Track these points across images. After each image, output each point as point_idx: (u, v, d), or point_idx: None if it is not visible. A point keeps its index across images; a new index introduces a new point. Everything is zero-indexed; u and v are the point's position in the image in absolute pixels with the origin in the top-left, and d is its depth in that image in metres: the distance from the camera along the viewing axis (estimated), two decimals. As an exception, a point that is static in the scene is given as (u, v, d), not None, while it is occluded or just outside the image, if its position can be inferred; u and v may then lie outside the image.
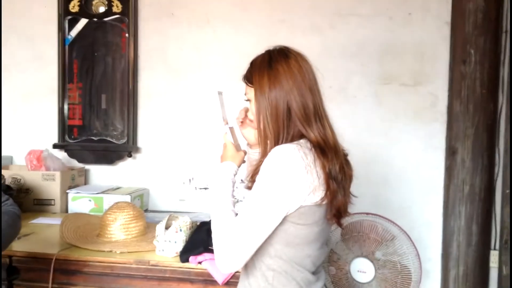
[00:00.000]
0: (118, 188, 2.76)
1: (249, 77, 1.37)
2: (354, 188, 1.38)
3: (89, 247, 1.89)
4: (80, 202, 2.60)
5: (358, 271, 2.20)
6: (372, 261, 2.18)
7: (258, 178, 1.24)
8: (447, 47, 2.55)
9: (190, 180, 2.82)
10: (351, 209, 1.38)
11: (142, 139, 2.84)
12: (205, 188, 2.81)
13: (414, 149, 2.62)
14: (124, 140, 2.82)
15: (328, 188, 1.25)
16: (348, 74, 2.64)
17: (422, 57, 2.58)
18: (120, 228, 1.99)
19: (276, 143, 1.29)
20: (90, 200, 2.60)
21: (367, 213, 2.27)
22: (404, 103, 2.61)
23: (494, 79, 2.43)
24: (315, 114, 1.31)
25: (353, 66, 2.64)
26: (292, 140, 1.29)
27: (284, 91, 1.29)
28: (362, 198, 2.59)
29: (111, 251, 1.85)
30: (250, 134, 1.46)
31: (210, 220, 2.06)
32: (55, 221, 2.32)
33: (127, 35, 2.77)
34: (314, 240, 1.30)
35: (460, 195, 2.41)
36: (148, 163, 2.84)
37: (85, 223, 2.17)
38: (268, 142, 1.32)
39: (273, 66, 1.32)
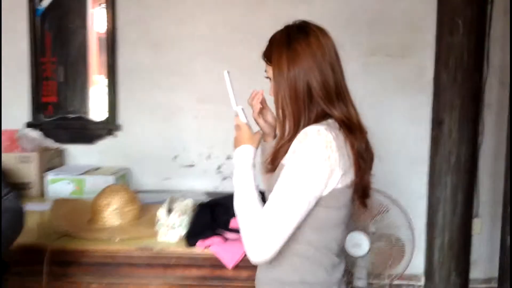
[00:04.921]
0: (99, 168, 2.65)
1: (268, 56, 1.31)
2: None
3: (84, 235, 1.80)
4: (59, 185, 2.47)
5: (353, 245, 2.22)
6: (367, 235, 2.20)
7: (288, 161, 1.20)
8: (434, 17, 2.54)
9: (175, 157, 2.74)
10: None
11: (123, 117, 2.71)
12: (191, 166, 2.74)
13: (401, 120, 2.64)
14: (104, 118, 2.68)
15: (358, 168, 1.24)
16: (338, 47, 2.59)
17: (410, 28, 2.57)
18: (115, 213, 1.91)
19: (297, 124, 1.25)
20: (69, 183, 2.47)
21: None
22: (391, 74, 2.61)
23: (480, 50, 2.46)
24: (337, 92, 1.27)
25: (342, 38, 2.58)
26: (316, 121, 1.25)
27: (303, 71, 1.24)
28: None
29: (110, 238, 1.76)
30: (266, 124, 1.40)
31: (209, 201, 2.05)
32: (37, 206, 2.20)
33: (103, 5, 2.59)
34: (341, 223, 1.28)
35: (446, 165, 2.45)
36: (130, 141, 2.73)
37: (72, 209, 2.06)
38: (288, 123, 1.28)
39: (291, 44, 1.26)
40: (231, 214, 1.79)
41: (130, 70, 2.67)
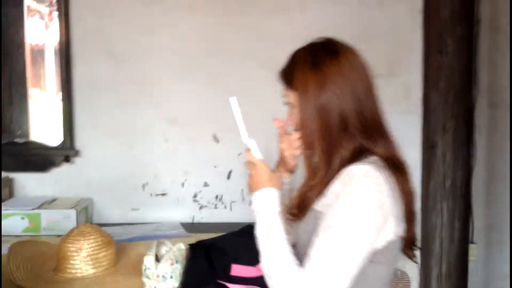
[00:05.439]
0: (55, 200, 2.29)
1: (289, 78, 1.09)
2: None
3: (52, 291, 1.46)
4: (10, 221, 2.10)
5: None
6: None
7: (331, 209, 0.98)
8: (420, 35, 2.43)
9: (144, 185, 2.42)
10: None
11: (81, 140, 2.37)
12: (163, 194, 2.44)
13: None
14: (59, 142, 2.33)
15: (411, 215, 1.05)
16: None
17: (396, 46, 2.44)
18: (87, 260, 1.58)
19: (328, 162, 1.05)
20: (23, 218, 2.11)
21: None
22: (379, 94, 2.46)
23: (470, 70, 2.37)
24: (376, 123, 1.08)
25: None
26: (354, 158, 1.04)
27: (335, 98, 1.04)
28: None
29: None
30: (290, 151, 1.16)
31: (201, 242, 1.76)
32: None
33: (55, 13, 2.26)
34: (389, 281, 1.07)
35: (442, 190, 2.32)
36: (90, 168, 2.38)
37: (32, 255, 1.70)
38: (319, 160, 1.06)
39: (319, 66, 1.05)
40: (229, 258, 1.55)
41: (89, 86, 2.34)
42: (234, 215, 2.46)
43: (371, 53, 2.36)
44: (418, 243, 1.15)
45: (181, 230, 2.25)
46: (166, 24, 2.35)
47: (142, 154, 2.39)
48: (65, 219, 2.12)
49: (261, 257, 1.03)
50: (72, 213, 2.13)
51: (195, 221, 2.45)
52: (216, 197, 2.47)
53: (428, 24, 2.37)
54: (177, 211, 2.42)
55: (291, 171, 1.22)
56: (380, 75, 2.37)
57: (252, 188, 1.11)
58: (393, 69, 2.45)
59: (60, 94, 2.30)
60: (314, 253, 0.96)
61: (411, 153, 2.45)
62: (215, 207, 2.47)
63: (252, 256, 1.14)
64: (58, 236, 2.04)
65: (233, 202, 2.47)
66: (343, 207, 0.97)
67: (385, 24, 2.41)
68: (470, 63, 2.36)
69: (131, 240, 2.02)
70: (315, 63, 1.05)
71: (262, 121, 2.41)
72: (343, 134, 1.04)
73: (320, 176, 1.06)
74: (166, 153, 2.40)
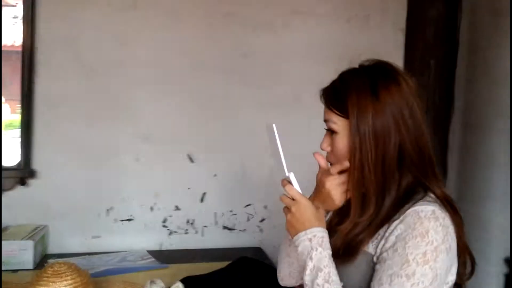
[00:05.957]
0: (7, 228, 2.00)
1: (340, 103, 0.98)
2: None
3: None
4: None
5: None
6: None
7: (398, 255, 0.88)
8: (401, 55, 2.40)
9: (108, 210, 2.18)
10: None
11: (40, 160, 2.09)
12: (129, 220, 2.21)
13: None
14: (14, 163, 2.04)
15: (466, 259, 0.99)
16: (303, 80, 2.32)
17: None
18: (64, 307, 1.35)
19: (381, 197, 0.95)
20: (-29, 252, 1.81)
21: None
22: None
23: (450, 92, 2.37)
24: (430, 158, 0.98)
25: (309, 71, 2.32)
26: (405, 196, 0.94)
27: (394, 127, 0.94)
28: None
29: None
30: (338, 189, 1.02)
31: (193, 278, 1.57)
32: None
33: (18, 18, 1.99)
34: None
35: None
36: (48, 191, 2.11)
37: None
38: (370, 196, 0.94)
39: (379, 92, 0.95)
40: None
41: (52, 100, 2.08)
42: (206, 241, 2.29)
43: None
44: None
45: (152, 260, 2.05)
46: (142, 34, 2.15)
47: (109, 176, 2.16)
48: (22, 251, 1.85)
49: None
50: (29, 244, 1.86)
51: (163, 248, 2.25)
52: (188, 221, 2.28)
53: (411, 44, 2.36)
54: (143, 238, 2.20)
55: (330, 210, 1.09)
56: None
57: (295, 227, 0.98)
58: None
59: (19, 106, 2.02)
60: None
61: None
62: (186, 233, 2.28)
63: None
64: (14, 271, 1.79)
65: (205, 226, 2.29)
66: (412, 254, 0.87)
67: (368, 43, 2.35)
68: (450, 85, 2.37)
69: (103, 274, 1.79)
70: (375, 90, 0.94)
71: (243, 141, 2.28)
72: (399, 166, 0.95)
73: (370, 214, 0.95)
74: (136, 174, 2.18)
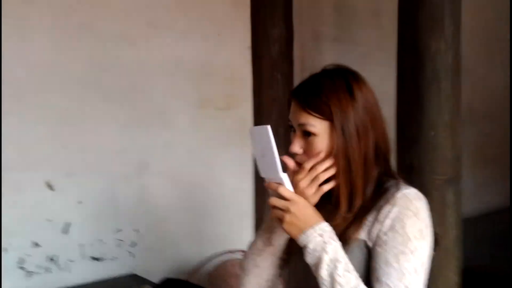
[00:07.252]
0: None
1: (319, 106, 1.01)
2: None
3: None
4: None
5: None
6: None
7: (398, 234, 0.97)
8: (249, 70, 2.58)
9: None
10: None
11: None
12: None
13: (229, 174, 2.53)
14: None
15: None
16: (166, 96, 2.30)
17: (230, 80, 2.52)
18: None
19: (364, 188, 1.02)
20: None
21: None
22: (218, 127, 2.48)
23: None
24: (390, 149, 1.09)
25: (171, 87, 2.31)
26: (379, 184, 1.04)
27: (371, 126, 1.03)
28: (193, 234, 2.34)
29: None
30: (312, 187, 1.02)
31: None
32: None
33: None
34: None
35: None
36: None
37: None
38: (355, 189, 1.01)
39: (354, 93, 1.02)
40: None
41: None
42: (73, 277, 2.06)
43: (210, 87, 2.43)
44: None
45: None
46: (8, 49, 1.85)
47: None
48: None
49: None
50: None
51: (22, 293, 1.94)
52: (49, 258, 2.01)
53: (259, 60, 2.55)
54: (-4, 284, 1.86)
55: None
56: (219, 108, 2.46)
57: (298, 226, 0.97)
58: (230, 102, 2.52)
59: None
60: (394, 280, 0.94)
61: (248, 184, 2.56)
62: (48, 271, 2.00)
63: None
64: None
65: (71, 261, 2.06)
66: (411, 232, 0.96)
67: (222, 59, 2.46)
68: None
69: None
70: (350, 90, 1.01)
71: (108, 160, 2.10)
72: (375, 159, 1.03)
73: (357, 205, 1.01)
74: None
